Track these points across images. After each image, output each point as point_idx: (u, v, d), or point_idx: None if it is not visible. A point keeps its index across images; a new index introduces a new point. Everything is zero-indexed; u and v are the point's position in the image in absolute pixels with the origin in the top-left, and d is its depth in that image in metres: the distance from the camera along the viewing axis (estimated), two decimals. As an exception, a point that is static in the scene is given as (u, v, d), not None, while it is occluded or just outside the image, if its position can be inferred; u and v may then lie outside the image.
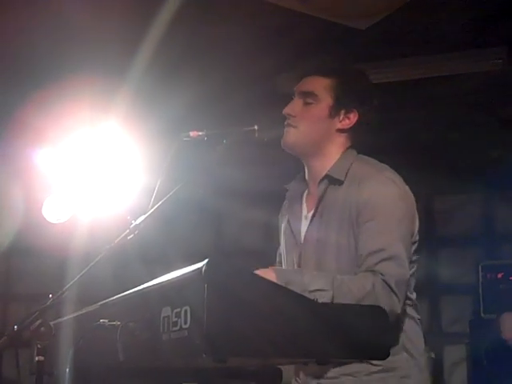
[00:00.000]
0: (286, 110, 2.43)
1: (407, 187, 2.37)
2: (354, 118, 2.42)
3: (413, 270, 2.37)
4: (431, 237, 6.08)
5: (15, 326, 1.99)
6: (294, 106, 2.43)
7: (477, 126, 5.04)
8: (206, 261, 1.55)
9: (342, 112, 2.41)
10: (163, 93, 4.39)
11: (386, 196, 2.29)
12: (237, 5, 3.72)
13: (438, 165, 5.05)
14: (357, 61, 3.97)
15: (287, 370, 2.21)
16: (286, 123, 2.42)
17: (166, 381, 2.06)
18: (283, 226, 2.58)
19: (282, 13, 3.75)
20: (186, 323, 1.58)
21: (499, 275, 5.76)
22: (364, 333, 1.72)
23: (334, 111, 2.41)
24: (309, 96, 2.42)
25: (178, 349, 1.62)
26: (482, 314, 5.70)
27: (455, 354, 6.02)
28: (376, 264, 2.20)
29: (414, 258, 2.38)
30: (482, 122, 5.00)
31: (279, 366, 2.09)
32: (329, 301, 2.07)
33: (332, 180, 2.39)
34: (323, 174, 2.41)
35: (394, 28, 3.92)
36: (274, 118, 2.44)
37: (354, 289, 2.13)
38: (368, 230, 2.26)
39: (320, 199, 2.39)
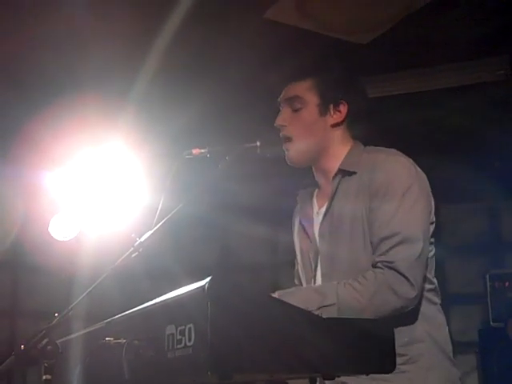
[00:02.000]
0: (277, 122, 2.42)
1: (419, 169, 2.35)
2: (344, 109, 2.41)
3: (432, 252, 2.35)
4: (438, 246, 6.05)
5: (22, 346, 2.00)
6: (284, 116, 2.42)
7: (480, 137, 5.04)
8: (209, 278, 1.55)
9: (331, 107, 2.41)
10: (167, 111, 4.41)
11: (398, 179, 2.28)
12: (240, 22, 3.74)
13: (443, 175, 5.06)
14: (360, 75, 3.98)
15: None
16: (280, 136, 2.41)
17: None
18: (296, 228, 2.57)
19: (285, 30, 3.77)
20: (190, 341, 1.58)
21: (507, 284, 5.75)
22: (369, 347, 1.71)
23: (323, 109, 2.40)
24: (295, 101, 2.41)
25: (183, 366, 1.62)
26: (491, 323, 5.69)
27: (466, 364, 5.97)
28: (388, 251, 2.20)
29: (432, 239, 2.35)
30: (486, 133, 5.00)
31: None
32: (335, 314, 2.08)
33: (345, 173, 2.38)
34: (335, 170, 2.40)
35: (394, 41, 3.93)
36: (277, 134, 2.45)
37: (359, 296, 2.14)
38: (381, 215, 2.25)
39: (333, 194, 2.38)
